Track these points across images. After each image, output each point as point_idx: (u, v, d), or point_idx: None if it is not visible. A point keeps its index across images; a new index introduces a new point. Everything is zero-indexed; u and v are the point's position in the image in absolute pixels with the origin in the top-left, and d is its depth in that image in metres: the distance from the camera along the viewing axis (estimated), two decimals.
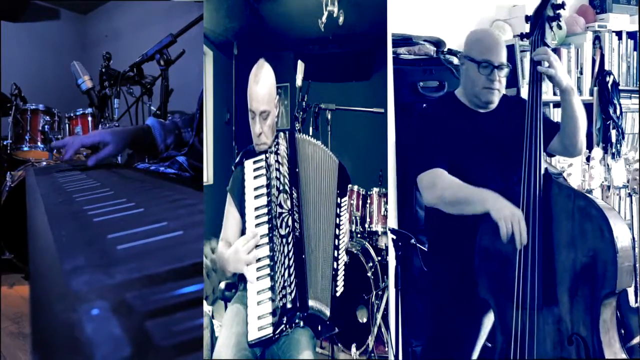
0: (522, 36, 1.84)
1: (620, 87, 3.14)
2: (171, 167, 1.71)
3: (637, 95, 3.19)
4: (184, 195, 0.98)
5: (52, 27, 5.93)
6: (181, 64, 2.69)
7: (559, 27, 1.80)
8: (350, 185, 2.52)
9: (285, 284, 1.61)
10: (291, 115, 2.94)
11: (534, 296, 1.61)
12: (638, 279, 2.46)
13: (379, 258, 2.55)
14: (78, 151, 1.76)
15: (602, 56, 3.16)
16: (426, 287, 2.06)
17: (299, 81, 2.68)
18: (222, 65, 2.97)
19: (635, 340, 2.42)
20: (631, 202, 2.71)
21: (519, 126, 1.74)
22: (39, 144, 3.92)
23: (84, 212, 0.86)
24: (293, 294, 1.61)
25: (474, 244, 1.72)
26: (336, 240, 1.77)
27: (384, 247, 2.61)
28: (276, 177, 1.66)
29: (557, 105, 2.80)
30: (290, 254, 1.63)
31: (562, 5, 1.77)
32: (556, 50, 3.09)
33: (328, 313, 1.70)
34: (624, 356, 1.60)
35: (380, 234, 2.66)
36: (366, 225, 2.68)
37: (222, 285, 1.87)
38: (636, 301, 2.45)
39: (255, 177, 1.67)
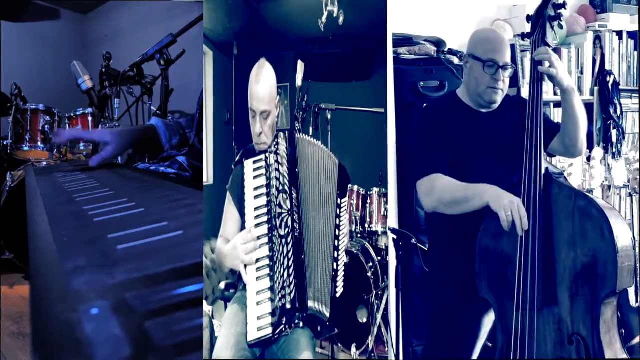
0: (523, 36, 1.84)
1: (620, 87, 3.14)
2: (171, 167, 1.71)
3: (638, 95, 3.19)
4: (185, 195, 0.98)
5: (52, 27, 5.93)
6: (181, 63, 2.69)
7: (560, 26, 1.80)
8: (350, 185, 2.52)
9: (285, 285, 1.60)
10: (291, 115, 2.94)
11: (534, 296, 1.61)
12: (639, 279, 2.46)
13: (379, 258, 2.55)
14: (74, 140, 1.72)
15: (603, 56, 3.16)
16: (427, 286, 2.06)
17: (299, 81, 2.68)
18: (222, 65, 2.97)
19: (635, 340, 2.42)
20: (632, 202, 2.71)
21: (520, 126, 1.74)
22: (39, 143, 3.92)
23: (84, 212, 0.86)
24: (292, 295, 1.61)
25: (474, 244, 1.72)
26: (336, 241, 1.77)
27: (384, 247, 2.61)
28: (276, 177, 1.66)
29: (557, 105, 2.80)
30: (290, 254, 1.63)
31: (563, 5, 1.76)
32: (557, 50, 3.09)
33: (328, 314, 1.70)
34: (624, 356, 1.59)
35: (380, 234, 2.66)
36: (366, 225, 2.68)
37: (222, 285, 1.87)
38: (637, 301, 2.45)
39: (255, 177, 1.66)
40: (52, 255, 0.61)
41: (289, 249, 1.63)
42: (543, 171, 1.65)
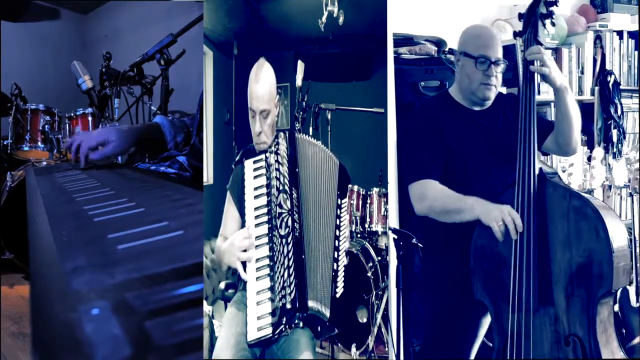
0: (515, 34, 1.82)
1: (621, 87, 3.14)
2: (172, 167, 1.71)
3: (638, 95, 3.18)
4: (185, 195, 0.98)
5: (52, 27, 5.93)
6: (181, 63, 2.69)
7: (553, 24, 1.78)
8: (350, 185, 2.52)
9: (285, 284, 1.60)
10: (291, 115, 2.94)
11: (529, 297, 1.60)
12: (639, 279, 2.46)
13: (379, 258, 2.55)
14: (88, 155, 1.73)
15: (603, 56, 3.16)
16: (422, 286, 2.05)
17: (299, 81, 2.68)
18: (222, 65, 2.97)
19: (636, 340, 2.41)
20: (632, 201, 2.71)
21: (513, 124, 1.73)
22: (39, 143, 3.92)
23: (84, 212, 0.86)
24: (293, 295, 1.61)
25: (469, 246, 1.72)
26: (336, 242, 1.77)
27: (384, 247, 2.61)
28: (276, 177, 1.66)
29: None
30: (290, 254, 1.63)
31: (555, 2, 1.75)
32: (557, 50, 3.09)
33: (328, 314, 1.70)
34: (621, 354, 1.59)
35: (380, 234, 2.65)
36: (366, 225, 2.68)
37: (222, 285, 1.87)
38: (637, 301, 2.45)
39: (255, 177, 1.66)
40: (52, 255, 0.61)
41: (289, 249, 1.63)
42: (537, 171, 1.64)
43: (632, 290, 2.45)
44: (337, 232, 1.78)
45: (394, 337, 1.97)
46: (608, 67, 3.15)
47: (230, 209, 1.73)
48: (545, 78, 1.72)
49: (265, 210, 1.63)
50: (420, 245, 1.80)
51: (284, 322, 1.59)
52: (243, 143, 1.82)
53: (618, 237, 1.54)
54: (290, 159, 1.70)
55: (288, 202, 1.65)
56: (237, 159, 1.72)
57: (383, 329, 2.47)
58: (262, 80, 1.67)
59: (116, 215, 0.81)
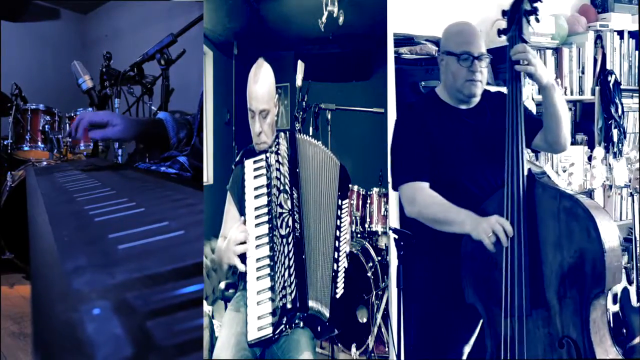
0: (499, 32, 1.79)
1: (621, 87, 3.14)
2: (172, 167, 1.70)
3: (639, 95, 3.18)
4: (185, 195, 0.98)
5: (52, 27, 5.93)
6: (181, 63, 2.69)
7: (537, 20, 1.75)
8: (350, 185, 2.52)
9: (285, 284, 1.60)
10: (291, 115, 2.94)
11: (522, 300, 1.57)
12: (639, 278, 2.46)
13: (379, 258, 2.55)
14: (89, 125, 1.67)
15: (604, 55, 3.16)
16: (416, 287, 2.02)
17: (299, 81, 2.68)
18: (222, 65, 2.97)
19: (636, 340, 2.41)
20: (633, 201, 2.71)
21: (500, 122, 1.70)
22: (39, 143, 3.93)
23: (84, 211, 0.86)
24: (293, 294, 1.61)
25: (459, 249, 1.70)
26: (336, 242, 1.77)
27: (384, 247, 2.61)
28: (276, 177, 1.66)
29: None
30: (291, 254, 1.63)
31: None
32: (557, 50, 3.09)
33: (328, 314, 1.70)
34: (615, 352, 1.57)
35: (380, 234, 2.65)
36: (366, 225, 2.68)
37: (222, 285, 1.87)
38: (638, 300, 2.45)
39: (255, 177, 1.66)
40: (52, 255, 0.61)
41: (289, 249, 1.63)
42: (525, 172, 1.62)
43: (632, 290, 2.45)
44: (338, 232, 1.78)
45: (394, 337, 1.97)
46: (609, 66, 3.15)
47: (230, 209, 1.73)
48: (531, 76, 1.70)
49: (265, 210, 1.63)
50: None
51: (284, 322, 1.59)
52: (243, 143, 1.82)
53: (610, 236, 1.52)
54: (291, 159, 1.70)
55: (288, 202, 1.65)
56: (237, 159, 1.72)
57: (383, 329, 2.47)
58: (261, 81, 1.67)
59: (117, 215, 0.81)
